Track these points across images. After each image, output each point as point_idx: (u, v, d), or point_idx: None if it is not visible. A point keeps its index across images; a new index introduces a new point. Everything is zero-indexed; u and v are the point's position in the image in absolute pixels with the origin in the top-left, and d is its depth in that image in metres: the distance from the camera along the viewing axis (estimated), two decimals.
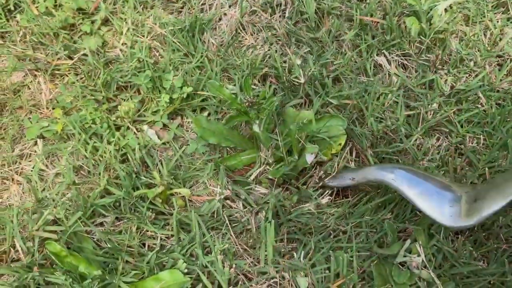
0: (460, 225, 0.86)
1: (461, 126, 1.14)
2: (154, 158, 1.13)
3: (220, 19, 1.35)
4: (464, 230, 0.99)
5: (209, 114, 1.21)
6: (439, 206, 0.88)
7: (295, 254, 0.98)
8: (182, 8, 1.38)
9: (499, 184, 0.87)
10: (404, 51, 1.27)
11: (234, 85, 1.23)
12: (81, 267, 0.94)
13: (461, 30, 1.31)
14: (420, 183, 0.91)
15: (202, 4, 1.37)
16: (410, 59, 1.28)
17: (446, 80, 1.21)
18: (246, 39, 1.33)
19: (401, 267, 0.96)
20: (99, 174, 1.08)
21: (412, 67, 1.27)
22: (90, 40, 1.29)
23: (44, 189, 1.09)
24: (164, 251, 0.99)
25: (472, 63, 1.24)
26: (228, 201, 1.05)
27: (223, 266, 0.95)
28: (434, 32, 1.26)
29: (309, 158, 1.05)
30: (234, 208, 1.04)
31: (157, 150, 1.15)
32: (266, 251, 0.98)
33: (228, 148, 1.15)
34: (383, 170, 0.96)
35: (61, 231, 1.01)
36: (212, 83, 1.09)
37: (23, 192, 1.10)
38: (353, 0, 1.34)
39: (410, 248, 0.97)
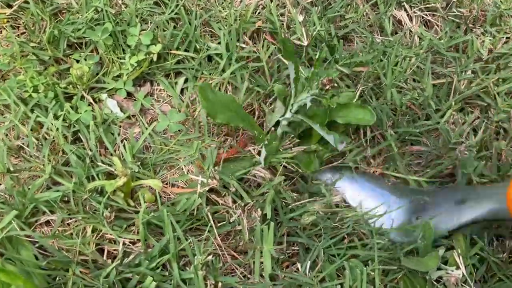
0: None
1: (503, 100, 0.92)
2: (115, 138, 0.87)
3: None
4: None
5: (186, 81, 0.96)
6: None
7: (299, 265, 0.76)
8: None
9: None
10: (429, 4, 1.03)
11: (219, 43, 0.98)
12: (14, 287, 0.70)
13: None
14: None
15: None
16: (436, 15, 1.04)
17: (483, 41, 0.98)
18: None
19: (435, 283, 0.75)
20: (44, 158, 0.83)
21: (438, 25, 1.03)
22: None
23: None
24: (127, 261, 0.76)
25: None
26: (213, 195, 0.82)
27: (206, 285, 0.72)
28: None
29: (340, 146, 0.81)
30: (222, 204, 0.81)
31: (120, 127, 0.90)
32: (261, 257, 0.76)
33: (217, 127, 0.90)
34: None
35: None
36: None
37: None
38: None
39: (446, 257, 0.76)
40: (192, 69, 0.96)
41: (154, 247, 0.74)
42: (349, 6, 1.02)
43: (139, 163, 0.84)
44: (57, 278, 0.76)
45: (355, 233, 0.80)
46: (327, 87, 0.75)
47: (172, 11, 1.00)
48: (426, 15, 1.04)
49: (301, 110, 0.82)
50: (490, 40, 0.97)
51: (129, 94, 0.94)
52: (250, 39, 0.99)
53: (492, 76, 0.93)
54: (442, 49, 0.96)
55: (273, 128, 0.89)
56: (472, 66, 0.94)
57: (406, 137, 0.88)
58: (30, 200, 0.78)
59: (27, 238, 0.78)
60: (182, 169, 0.87)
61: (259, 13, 1.01)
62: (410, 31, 1.01)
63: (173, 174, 0.87)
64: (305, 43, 0.94)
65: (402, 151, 0.89)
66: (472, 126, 0.90)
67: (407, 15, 1.03)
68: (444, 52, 0.96)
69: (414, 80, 0.95)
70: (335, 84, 0.90)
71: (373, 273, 0.74)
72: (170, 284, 0.71)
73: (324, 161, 0.87)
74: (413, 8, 1.04)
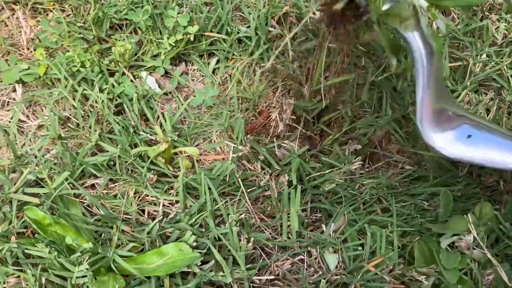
0: None
1: None
2: (155, 111, 0.95)
3: None
4: None
5: (218, 61, 1.03)
6: None
7: (324, 226, 0.83)
8: None
9: None
10: None
11: (248, 26, 1.05)
12: (68, 238, 0.78)
13: None
14: None
15: None
16: None
17: (497, 27, 1.03)
18: None
19: (449, 248, 0.81)
20: (90, 127, 0.91)
21: (456, 13, 1.09)
22: None
23: (24, 144, 0.92)
24: (167, 219, 0.84)
25: None
26: (244, 162, 0.89)
27: (239, 240, 0.79)
28: None
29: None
30: (252, 170, 0.88)
31: (157, 102, 0.98)
32: (289, 221, 0.83)
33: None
34: None
35: (44, 194, 0.84)
36: None
37: None
38: None
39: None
40: (224, 50, 1.03)
41: (193, 205, 0.82)
42: None
43: (176, 133, 0.92)
44: (103, 235, 0.84)
45: (374, 198, 0.86)
46: None
47: None
48: None
49: None
50: (505, 25, 1.02)
51: (166, 72, 1.02)
52: (277, 23, 1.06)
53: (506, 59, 0.99)
54: (459, 34, 1.02)
55: None
56: (487, 50, 1.00)
57: None
58: (80, 163, 0.86)
59: (75, 199, 0.86)
60: (214, 141, 0.94)
61: None
62: (429, 18, 1.07)
63: (207, 146, 0.95)
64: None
65: None
66: (486, 106, 0.96)
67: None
68: (461, 37, 1.02)
69: None
70: None
71: (391, 234, 0.81)
72: (208, 238, 0.79)
73: None
74: None
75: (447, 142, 0.64)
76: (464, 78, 0.98)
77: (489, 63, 0.99)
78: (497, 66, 0.98)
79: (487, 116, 0.94)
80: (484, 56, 1.00)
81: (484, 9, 1.06)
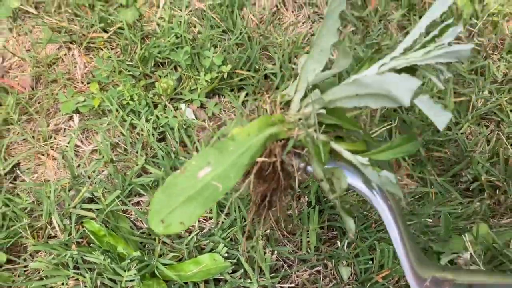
0: None
1: None
2: (191, 138, 1.09)
3: None
4: None
5: (246, 95, 1.17)
6: None
7: (339, 242, 0.95)
8: None
9: None
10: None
11: (274, 64, 1.19)
12: (120, 247, 0.92)
13: None
14: None
15: None
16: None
17: (498, 66, 1.15)
18: (286, 16, 1.28)
19: (448, 265, 0.92)
20: (137, 152, 1.06)
21: None
22: (126, 13, 1.25)
23: (79, 165, 1.07)
24: (202, 233, 0.97)
25: None
26: None
27: (265, 252, 0.92)
28: (487, 14, 1.20)
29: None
30: None
31: (194, 130, 1.12)
32: (308, 237, 0.95)
33: None
34: None
35: (97, 209, 0.99)
36: None
37: (57, 168, 1.08)
38: None
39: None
40: (252, 85, 1.17)
41: (225, 221, 0.95)
42: (384, 35, 1.22)
43: None
44: (146, 245, 0.97)
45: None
46: None
47: (237, 37, 1.22)
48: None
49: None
50: (505, 65, 1.14)
51: (201, 104, 1.16)
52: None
53: (505, 95, 1.10)
54: (463, 72, 1.14)
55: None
56: (489, 87, 1.12)
57: (430, 145, 1.06)
58: (129, 183, 1.00)
59: (123, 214, 1.00)
60: None
61: (308, 39, 1.22)
62: None
63: None
64: None
65: (427, 156, 1.07)
66: (486, 137, 1.07)
67: None
68: (465, 75, 1.14)
69: (439, 97, 1.13)
70: None
71: None
72: (238, 250, 0.92)
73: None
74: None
75: None
76: (467, 112, 1.10)
77: (490, 98, 1.10)
78: (498, 102, 1.09)
79: (488, 145, 1.04)
80: (486, 92, 1.11)
81: (488, 49, 1.18)
